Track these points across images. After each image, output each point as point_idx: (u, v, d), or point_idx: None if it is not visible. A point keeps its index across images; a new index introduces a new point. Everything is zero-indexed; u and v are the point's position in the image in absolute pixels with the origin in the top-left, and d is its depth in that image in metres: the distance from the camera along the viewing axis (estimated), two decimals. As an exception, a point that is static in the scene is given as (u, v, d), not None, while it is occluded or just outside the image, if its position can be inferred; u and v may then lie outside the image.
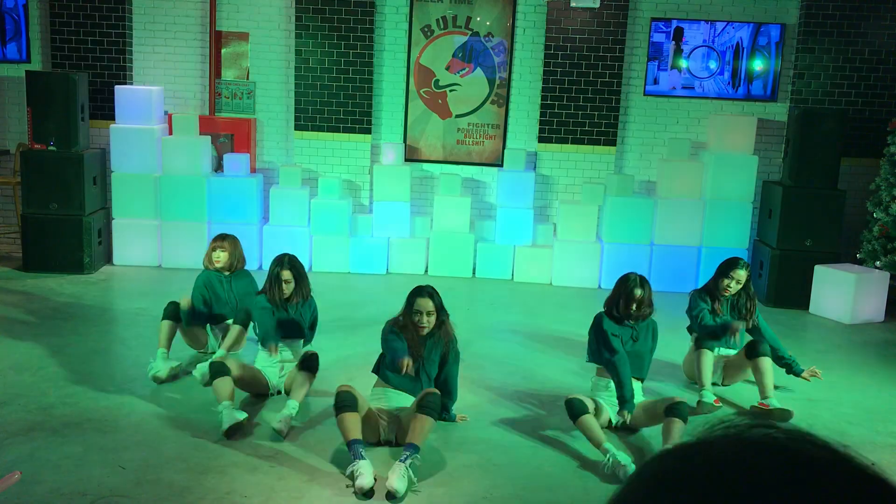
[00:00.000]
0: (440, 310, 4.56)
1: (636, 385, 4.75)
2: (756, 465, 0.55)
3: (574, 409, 4.41)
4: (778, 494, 0.53)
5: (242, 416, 4.48)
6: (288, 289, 5.04)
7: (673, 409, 4.39)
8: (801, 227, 7.87)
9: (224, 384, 4.57)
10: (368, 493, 3.83)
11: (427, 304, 4.48)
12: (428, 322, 4.48)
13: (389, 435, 4.42)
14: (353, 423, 4.10)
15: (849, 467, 0.56)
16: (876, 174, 7.89)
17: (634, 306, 4.75)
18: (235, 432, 4.42)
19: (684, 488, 0.56)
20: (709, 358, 5.28)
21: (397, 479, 3.84)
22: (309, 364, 4.82)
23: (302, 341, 5.19)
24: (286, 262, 5.07)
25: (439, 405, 4.27)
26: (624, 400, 4.59)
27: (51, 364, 5.42)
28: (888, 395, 5.63)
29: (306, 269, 8.24)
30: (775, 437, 0.58)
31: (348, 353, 5.88)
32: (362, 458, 3.97)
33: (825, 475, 0.55)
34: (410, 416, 4.23)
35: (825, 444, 0.59)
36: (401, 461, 3.93)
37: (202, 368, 5.00)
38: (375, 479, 3.90)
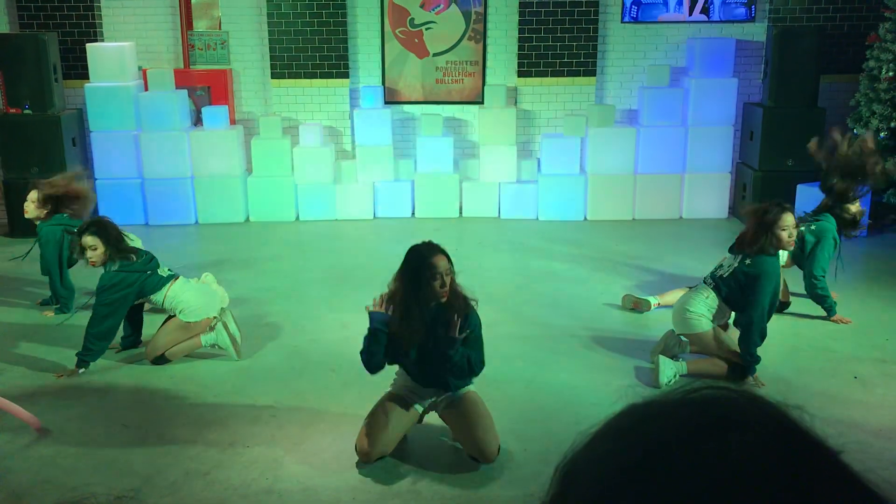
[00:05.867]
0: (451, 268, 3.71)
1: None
2: (678, 420, 0.60)
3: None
4: (686, 445, 0.58)
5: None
6: (94, 256, 4.70)
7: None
8: (783, 147, 7.90)
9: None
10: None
11: (443, 262, 3.62)
12: (447, 285, 3.63)
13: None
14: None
15: (767, 419, 0.61)
16: (856, 90, 7.89)
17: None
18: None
19: (623, 443, 0.61)
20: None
21: None
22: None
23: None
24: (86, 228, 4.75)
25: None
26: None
27: (45, 330, 5.47)
28: (871, 309, 5.75)
29: (293, 218, 8.32)
30: (710, 396, 0.63)
31: (341, 300, 5.94)
32: None
33: (740, 429, 0.59)
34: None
35: (762, 400, 0.63)
36: None
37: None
38: None
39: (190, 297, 4.88)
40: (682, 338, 4.71)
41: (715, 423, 0.59)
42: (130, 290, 4.74)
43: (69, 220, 5.62)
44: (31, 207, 5.67)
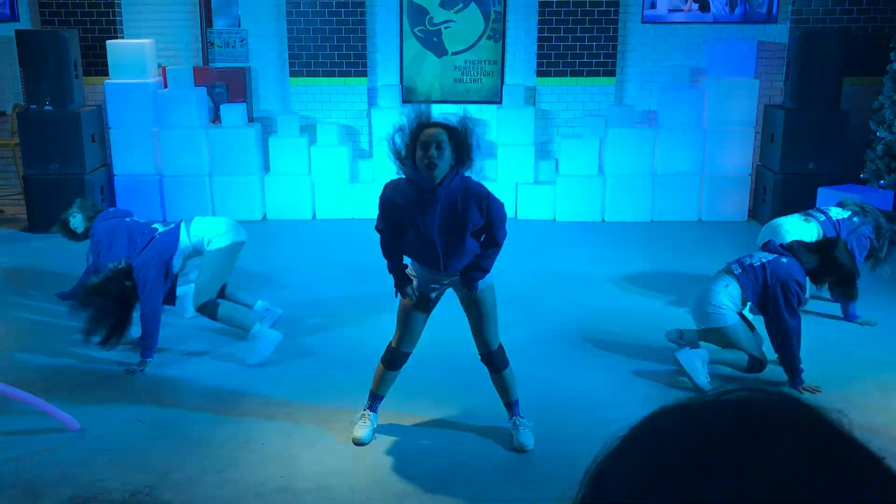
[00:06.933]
0: (461, 147, 3.62)
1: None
2: (714, 424, 0.58)
3: None
4: (725, 450, 0.55)
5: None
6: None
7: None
8: (804, 150, 7.82)
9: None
10: (360, 444, 3.91)
11: (435, 132, 3.59)
12: (437, 157, 3.52)
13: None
14: (387, 380, 3.97)
15: (807, 423, 0.58)
16: (879, 92, 7.80)
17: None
18: None
19: (658, 448, 0.58)
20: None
21: (523, 436, 3.91)
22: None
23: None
24: None
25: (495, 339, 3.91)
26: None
27: (61, 324, 5.48)
28: (894, 315, 5.67)
29: (310, 216, 8.32)
30: (746, 398, 0.60)
31: (357, 298, 5.93)
32: (374, 413, 4.01)
33: (780, 433, 0.56)
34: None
35: (800, 403, 0.60)
36: (514, 421, 3.95)
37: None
38: (374, 437, 3.96)
39: (213, 223, 4.96)
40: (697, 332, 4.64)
41: (753, 427, 0.56)
42: (126, 234, 4.97)
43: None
44: (79, 219, 5.59)
